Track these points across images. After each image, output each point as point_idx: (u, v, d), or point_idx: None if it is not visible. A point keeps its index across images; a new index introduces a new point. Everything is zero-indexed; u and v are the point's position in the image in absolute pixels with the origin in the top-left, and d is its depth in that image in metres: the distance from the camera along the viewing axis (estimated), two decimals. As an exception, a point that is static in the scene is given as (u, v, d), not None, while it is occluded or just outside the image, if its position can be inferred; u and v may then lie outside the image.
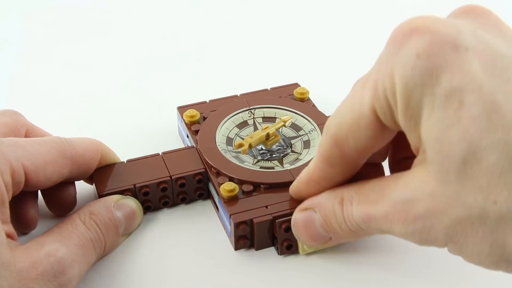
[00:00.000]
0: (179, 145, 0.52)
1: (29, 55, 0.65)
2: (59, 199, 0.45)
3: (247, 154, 0.48)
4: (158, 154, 0.48)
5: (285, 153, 0.49)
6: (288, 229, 0.42)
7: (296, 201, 0.44)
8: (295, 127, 0.50)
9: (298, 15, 0.71)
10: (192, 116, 0.50)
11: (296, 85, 0.54)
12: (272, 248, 0.44)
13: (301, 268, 0.43)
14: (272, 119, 0.51)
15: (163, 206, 0.47)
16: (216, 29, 0.69)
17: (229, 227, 0.44)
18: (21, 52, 0.66)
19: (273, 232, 0.43)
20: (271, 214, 0.43)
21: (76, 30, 0.69)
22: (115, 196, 0.44)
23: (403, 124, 0.33)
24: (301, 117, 0.51)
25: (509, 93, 0.31)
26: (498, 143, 0.30)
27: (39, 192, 0.46)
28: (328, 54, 0.65)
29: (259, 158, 0.48)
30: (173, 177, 0.46)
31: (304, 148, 0.49)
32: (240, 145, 0.47)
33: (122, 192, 0.45)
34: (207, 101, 0.53)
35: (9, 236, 0.37)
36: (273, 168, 0.47)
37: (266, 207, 0.44)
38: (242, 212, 0.43)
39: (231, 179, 0.45)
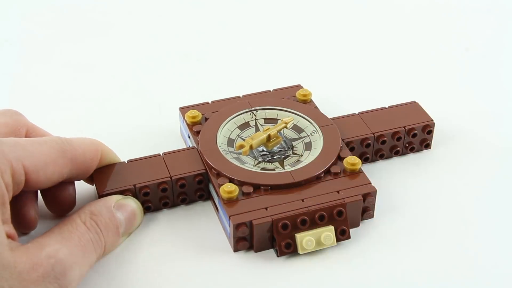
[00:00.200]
0: (181, 145, 0.52)
1: (29, 55, 0.65)
2: (58, 199, 0.45)
3: (248, 155, 0.48)
4: (158, 155, 0.48)
5: (286, 154, 0.49)
6: (286, 226, 0.42)
7: (297, 203, 0.44)
8: (296, 128, 0.50)
9: (301, 16, 0.71)
10: (193, 117, 0.50)
11: (298, 86, 0.54)
12: (271, 250, 0.44)
13: (301, 270, 0.43)
14: (274, 121, 0.51)
15: (163, 206, 0.47)
16: (218, 30, 0.69)
17: (228, 228, 0.44)
18: (21, 52, 0.66)
19: (272, 234, 0.43)
20: (270, 216, 0.43)
21: (76, 30, 0.68)
22: (115, 196, 0.44)
23: None
24: (303, 119, 0.51)
25: None
26: None
27: (39, 192, 0.46)
28: (331, 56, 0.65)
29: (260, 159, 0.48)
30: (173, 178, 0.46)
31: (305, 150, 0.49)
32: (241, 146, 0.47)
33: (122, 192, 0.45)
34: (209, 102, 0.52)
35: (9, 236, 0.37)
36: (273, 169, 0.47)
37: (266, 209, 0.44)
38: (242, 213, 0.43)
39: (231, 180, 0.45)
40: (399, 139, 0.50)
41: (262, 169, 0.47)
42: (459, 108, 0.57)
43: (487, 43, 0.67)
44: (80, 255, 0.39)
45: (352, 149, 0.50)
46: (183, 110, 0.52)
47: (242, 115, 0.51)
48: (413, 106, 0.53)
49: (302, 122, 0.51)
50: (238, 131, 0.50)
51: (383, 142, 0.50)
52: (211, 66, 0.63)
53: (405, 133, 0.50)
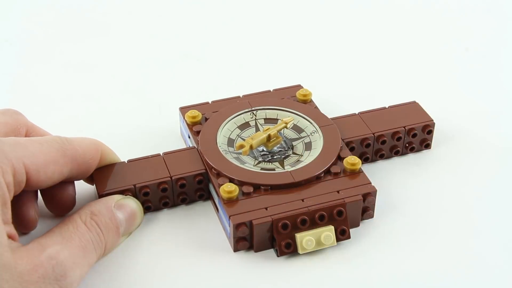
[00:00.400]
0: (181, 145, 0.52)
1: (29, 55, 0.65)
2: (58, 199, 0.45)
3: (248, 155, 0.48)
4: (158, 155, 0.48)
5: (286, 154, 0.49)
6: (286, 226, 0.42)
7: (297, 203, 0.44)
8: (297, 128, 0.50)
9: (302, 16, 0.71)
10: (194, 117, 0.50)
11: (299, 86, 0.54)
12: (271, 250, 0.44)
13: (301, 270, 0.43)
14: (274, 121, 0.51)
15: (163, 206, 0.47)
16: (218, 30, 0.69)
17: (228, 228, 0.44)
18: (21, 52, 0.66)
19: (272, 234, 0.43)
20: (270, 216, 0.43)
21: (76, 30, 0.68)
22: (115, 196, 0.44)
23: None
24: (303, 119, 0.51)
25: None
26: None
27: (39, 192, 0.46)
28: (331, 56, 0.65)
29: (260, 159, 0.48)
30: (173, 178, 0.46)
31: (305, 150, 0.49)
32: (241, 146, 0.47)
33: (122, 192, 0.45)
34: (209, 102, 0.52)
35: (10, 237, 0.37)
36: (273, 169, 0.47)
37: (266, 208, 0.43)
38: (242, 213, 0.43)
39: (231, 180, 0.45)
40: (399, 139, 0.50)
41: (262, 169, 0.47)
42: (459, 108, 0.57)
43: (487, 43, 0.67)
44: (81, 256, 0.39)
45: (352, 149, 0.50)
46: (183, 110, 0.52)
47: (242, 115, 0.51)
48: (413, 106, 0.53)
49: (302, 122, 0.51)
50: (238, 131, 0.50)
51: (383, 142, 0.50)
52: (211, 66, 0.63)
53: (405, 133, 0.50)
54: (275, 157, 0.48)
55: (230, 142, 0.49)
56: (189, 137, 0.50)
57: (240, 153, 0.48)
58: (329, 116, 0.51)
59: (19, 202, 0.43)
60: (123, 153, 0.48)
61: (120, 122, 0.56)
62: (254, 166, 0.47)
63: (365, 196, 0.45)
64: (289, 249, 0.43)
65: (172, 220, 0.47)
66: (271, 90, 0.54)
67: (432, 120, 0.51)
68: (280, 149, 0.49)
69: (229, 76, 0.62)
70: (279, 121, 0.50)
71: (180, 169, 0.47)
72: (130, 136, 0.54)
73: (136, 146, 0.51)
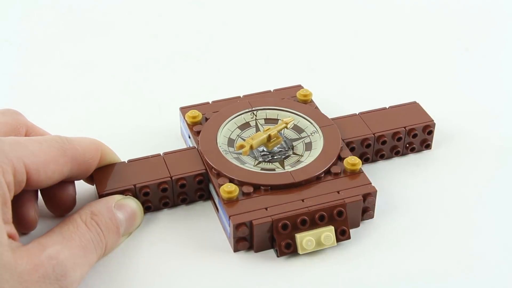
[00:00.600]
0: (181, 145, 0.52)
1: (29, 55, 0.65)
2: (58, 199, 0.45)
3: (248, 155, 0.48)
4: (159, 155, 0.48)
5: (287, 155, 0.48)
6: (286, 226, 0.42)
7: (297, 203, 0.44)
8: (297, 129, 0.50)
9: (302, 16, 0.71)
10: (194, 117, 0.50)
11: (299, 86, 0.54)
12: (271, 250, 0.44)
13: (301, 270, 0.43)
14: (274, 121, 0.51)
15: (164, 206, 0.47)
16: (218, 30, 0.69)
17: (228, 228, 0.44)
18: (21, 52, 0.66)
19: (272, 234, 0.43)
20: (270, 216, 0.43)
21: (76, 30, 0.68)
22: (116, 196, 0.44)
23: None
24: (304, 119, 0.51)
25: None
26: None
27: (39, 192, 0.46)
28: (331, 56, 0.65)
29: (260, 159, 0.48)
30: (173, 178, 0.46)
31: (305, 150, 0.49)
32: (242, 146, 0.47)
33: (122, 192, 0.45)
34: (210, 102, 0.52)
35: (10, 236, 0.37)
36: (274, 170, 0.47)
37: (266, 209, 0.43)
38: (242, 213, 0.43)
39: (231, 180, 0.45)
40: (399, 139, 0.50)
41: (262, 169, 0.47)
42: (459, 108, 0.57)
43: (487, 43, 0.67)
44: (81, 256, 0.39)
45: (352, 149, 0.49)
46: (184, 110, 0.52)
47: (242, 115, 0.51)
48: (414, 107, 0.52)
49: (303, 122, 0.51)
50: (238, 131, 0.50)
51: (384, 143, 0.50)
52: (211, 66, 0.63)
53: (405, 134, 0.50)
54: (275, 157, 0.48)
55: (231, 142, 0.49)
56: (189, 137, 0.50)
57: (240, 153, 0.48)
58: (330, 116, 0.51)
59: (19, 202, 0.43)
60: (123, 153, 0.48)
61: (120, 122, 0.56)
62: (254, 166, 0.47)
63: (365, 196, 0.45)
64: (289, 250, 0.43)
65: (172, 220, 0.47)
66: (272, 90, 0.54)
67: (433, 121, 0.51)
68: (280, 149, 0.49)
69: (229, 76, 0.62)
70: (280, 121, 0.50)
71: (180, 169, 0.47)
72: (130, 136, 0.54)
73: (136, 146, 0.51)
